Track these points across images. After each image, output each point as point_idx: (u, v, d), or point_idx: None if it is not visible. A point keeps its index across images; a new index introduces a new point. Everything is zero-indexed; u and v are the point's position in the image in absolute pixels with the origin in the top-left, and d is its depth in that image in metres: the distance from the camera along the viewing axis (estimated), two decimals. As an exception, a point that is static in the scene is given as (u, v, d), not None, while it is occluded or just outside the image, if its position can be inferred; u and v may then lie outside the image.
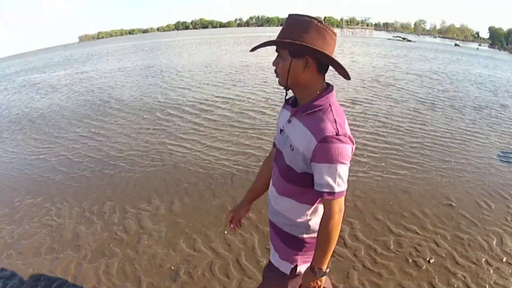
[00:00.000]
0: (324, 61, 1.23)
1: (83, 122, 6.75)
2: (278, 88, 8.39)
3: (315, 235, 1.39)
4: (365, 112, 6.41)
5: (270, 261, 1.54)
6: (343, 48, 23.57)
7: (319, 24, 1.22)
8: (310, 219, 1.38)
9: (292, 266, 1.47)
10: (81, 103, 8.76)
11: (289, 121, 1.35)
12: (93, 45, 64.59)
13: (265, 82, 9.78)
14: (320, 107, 1.26)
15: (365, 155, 4.38)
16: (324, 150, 1.20)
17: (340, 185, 1.23)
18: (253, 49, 1.35)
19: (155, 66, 16.27)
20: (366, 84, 9.43)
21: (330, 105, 1.27)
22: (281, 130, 1.40)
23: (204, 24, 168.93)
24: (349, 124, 1.26)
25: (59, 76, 16.43)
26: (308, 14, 1.25)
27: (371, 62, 14.94)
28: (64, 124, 6.77)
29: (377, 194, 3.40)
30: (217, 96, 7.98)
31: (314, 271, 1.33)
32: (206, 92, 8.63)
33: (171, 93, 8.83)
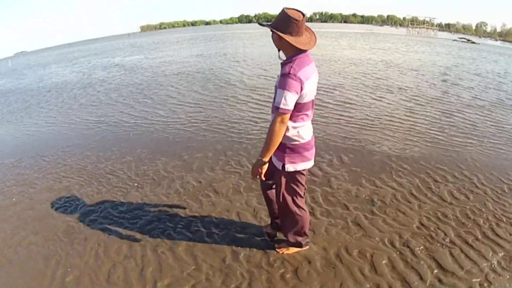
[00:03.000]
0: (282, 36, 2.09)
1: (201, 94, 8.74)
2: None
3: (294, 143, 2.28)
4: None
5: (271, 161, 2.42)
6: (410, 46, 23.83)
7: (287, 13, 2.07)
8: (287, 131, 2.22)
9: (281, 163, 2.34)
10: (181, 78, 11.08)
11: (281, 72, 2.18)
12: (156, 35, 67.41)
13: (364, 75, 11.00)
14: (290, 60, 2.13)
15: (485, 141, 5.56)
16: (280, 81, 2.10)
17: (284, 104, 2.07)
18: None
19: (237, 54, 18.10)
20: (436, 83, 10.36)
21: (295, 59, 2.11)
22: (277, 78, 2.23)
23: (268, 19, 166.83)
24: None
25: (138, 60, 18.71)
26: (295, 8, 2.13)
27: (448, 62, 15.57)
28: (182, 96, 8.70)
29: (496, 164, 4.62)
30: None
31: (257, 159, 2.26)
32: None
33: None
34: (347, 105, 7.44)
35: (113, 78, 13.01)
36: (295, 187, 2.50)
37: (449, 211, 3.47)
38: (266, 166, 2.30)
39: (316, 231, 3.15)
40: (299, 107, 2.20)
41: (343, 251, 2.90)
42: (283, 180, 2.47)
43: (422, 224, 3.26)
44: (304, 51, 2.16)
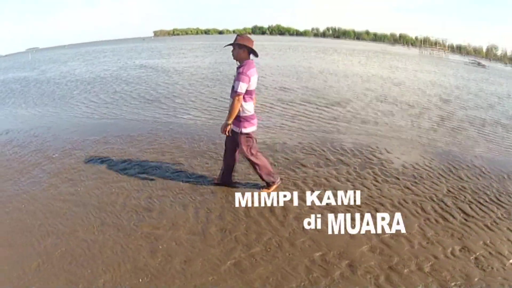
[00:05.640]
0: (247, 49, 3.80)
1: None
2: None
3: (244, 114, 3.91)
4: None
5: (232, 129, 3.99)
6: (420, 65, 25.47)
7: (249, 37, 3.87)
8: (241, 108, 3.87)
9: (239, 129, 3.94)
10: (217, 82, 12.76)
11: (236, 71, 3.85)
12: (170, 41, 68.91)
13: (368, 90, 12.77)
14: (243, 64, 3.83)
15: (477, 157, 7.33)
16: (237, 76, 3.78)
17: (240, 89, 3.73)
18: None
19: (258, 64, 19.29)
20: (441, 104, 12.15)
21: (245, 64, 3.80)
22: (234, 76, 3.87)
23: (281, 31, 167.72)
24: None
25: (164, 63, 20.24)
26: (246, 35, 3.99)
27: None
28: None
29: (497, 160, 6.32)
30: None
31: (224, 122, 3.94)
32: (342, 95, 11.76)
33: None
34: (370, 119, 9.12)
35: (151, 77, 14.49)
36: (248, 143, 4.08)
37: (466, 185, 5.11)
38: (230, 127, 3.95)
39: (382, 190, 4.77)
40: (247, 92, 3.85)
41: (402, 201, 4.52)
42: (242, 139, 4.05)
43: (449, 191, 4.90)
44: (251, 60, 3.90)
